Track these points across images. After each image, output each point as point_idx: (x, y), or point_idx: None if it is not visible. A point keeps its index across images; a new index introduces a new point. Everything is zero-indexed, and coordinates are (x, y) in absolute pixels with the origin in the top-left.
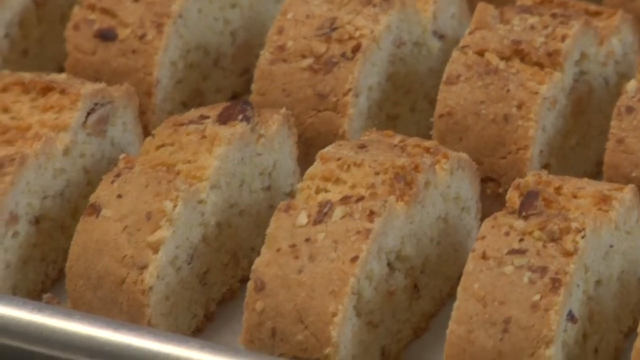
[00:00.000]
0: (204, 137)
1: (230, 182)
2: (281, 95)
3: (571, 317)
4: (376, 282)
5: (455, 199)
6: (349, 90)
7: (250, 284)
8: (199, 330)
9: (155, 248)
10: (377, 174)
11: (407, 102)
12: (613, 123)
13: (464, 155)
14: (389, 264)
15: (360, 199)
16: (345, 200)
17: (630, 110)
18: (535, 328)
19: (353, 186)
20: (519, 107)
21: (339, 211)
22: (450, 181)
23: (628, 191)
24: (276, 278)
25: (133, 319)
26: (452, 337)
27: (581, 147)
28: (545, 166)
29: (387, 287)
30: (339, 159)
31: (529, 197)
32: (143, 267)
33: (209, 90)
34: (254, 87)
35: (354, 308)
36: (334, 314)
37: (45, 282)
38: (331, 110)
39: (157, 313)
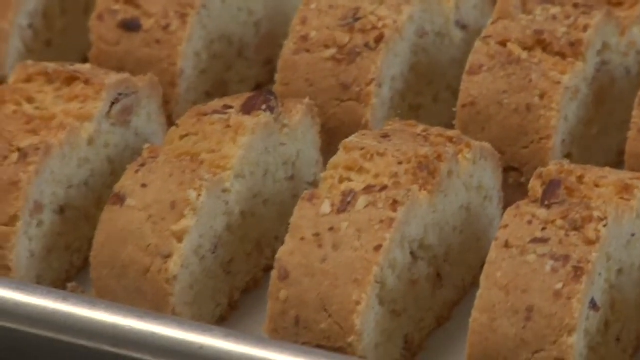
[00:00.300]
0: (228, 126)
1: (254, 171)
2: (304, 85)
3: (593, 305)
4: (399, 271)
5: (477, 188)
6: (372, 80)
7: (274, 273)
8: (223, 319)
9: (179, 237)
10: (400, 163)
11: (430, 92)
12: (635, 112)
13: (487, 145)
14: (412, 253)
15: (384, 188)
16: (368, 189)
17: None
18: (557, 316)
19: (376, 175)
20: (542, 96)
21: (362, 200)
22: (473, 170)
23: None
24: (300, 267)
25: (157, 308)
26: (475, 325)
27: (603, 136)
28: (567, 156)
29: (410, 276)
30: (362, 149)
31: (552, 186)
32: (167, 256)
33: (233, 80)
34: (277, 77)
35: (377, 297)
36: (358, 303)
37: (69, 271)
38: (354, 100)
39: (181, 302)
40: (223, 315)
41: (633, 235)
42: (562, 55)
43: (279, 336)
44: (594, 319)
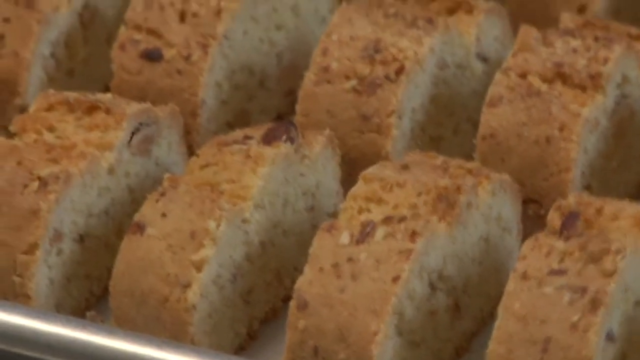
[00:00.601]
0: (248, 157)
1: (274, 202)
2: (325, 116)
3: (610, 337)
4: (418, 302)
5: (497, 220)
6: (392, 111)
7: (292, 303)
8: (242, 349)
9: (198, 267)
10: (419, 194)
11: (450, 124)
12: None
13: (506, 177)
14: (430, 284)
15: (403, 219)
16: (387, 220)
17: None
18: (574, 348)
19: (396, 206)
20: (561, 129)
21: (381, 231)
22: (492, 202)
23: None
24: (319, 297)
25: (176, 337)
26: (492, 356)
27: (622, 169)
28: (587, 187)
29: (428, 306)
30: (381, 180)
31: (570, 218)
32: (186, 286)
33: (254, 110)
34: (298, 108)
35: (395, 327)
36: (375, 333)
37: (89, 299)
38: (375, 132)
39: (200, 331)
40: (242, 345)
41: None
42: (582, 88)
43: None
44: (610, 351)
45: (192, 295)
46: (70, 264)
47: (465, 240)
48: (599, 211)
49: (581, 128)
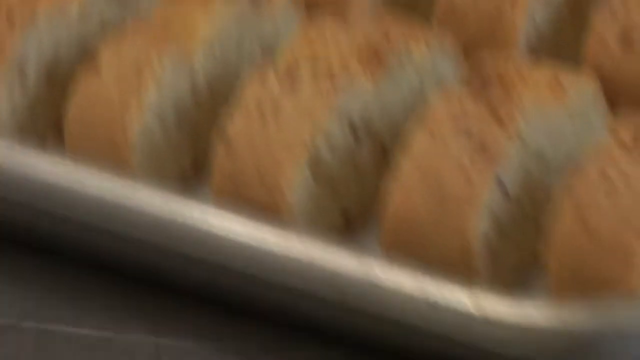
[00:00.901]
0: (208, 8)
1: (226, 47)
2: None
3: (502, 186)
4: (338, 150)
5: (435, 78)
6: None
7: (220, 144)
8: (185, 179)
9: (140, 106)
10: (351, 49)
11: None
12: (595, 17)
13: (447, 39)
14: (354, 134)
15: (330, 70)
16: (315, 70)
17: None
18: (465, 196)
19: (328, 59)
20: (512, 1)
21: (307, 80)
22: (430, 61)
23: (586, 78)
24: (243, 140)
25: (120, 167)
26: (392, 204)
27: (576, 43)
28: (537, 58)
29: (351, 154)
30: (320, 30)
31: (482, 75)
32: (128, 122)
33: None
34: None
35: (311, 172)
36: (289, 177)
37: (50, 127)
38: None
39: (142, 164)
40: (185, 175)
41: (559, 129)
42: None
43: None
44: (503, 204)
45: (132, 131)
46: (34, 95)
47: (394, 94)
48: (519, 73)
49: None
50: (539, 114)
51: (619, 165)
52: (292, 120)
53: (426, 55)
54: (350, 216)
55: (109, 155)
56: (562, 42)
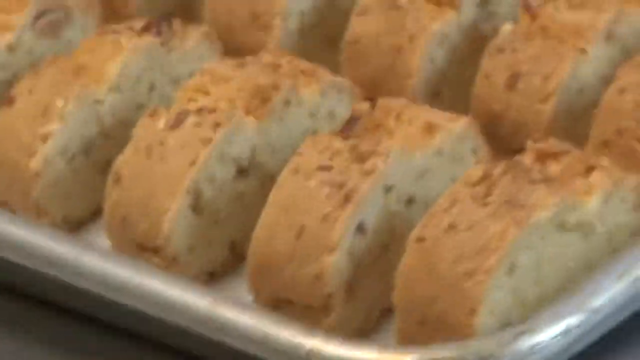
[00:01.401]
0: (117, 45)
1: (136, 86)
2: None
3: (361, 228)
4: (220, 184)
5: (328, 118)
6: (278, 13)
7: (110, 176)
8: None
9: (44, 139)
10: (239, 90)
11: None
12: (484, 60)
13: (340, 79)
14: (239, 169)
15: (213, 110)
16: (200, 111)
17: (501, 50)
18: (322, 237)
19: (217, 99)
20: (411, 40)
21: (191, 120)
22: (322, 101)
23: (460, 122)
24: (131, 173)
25: (24, 201)
26: (255, 238)
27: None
28: (436, 94)
29: (235, 188)
30: (212, 74)
31: (352, 119)
32: (32, 155)
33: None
34: (207, 5)
35: (190, 206)
36: (168, 210)
37: None
38: (262, 31)
39: (45, 197)
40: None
41: (428, 170)
42: (438, 4)
43: (112, 233)
44: (362, 242)
45: (35, 163)
46: None
47: (282, 133)
48: (398, 116)
49: (428, 40)
50: (403, 154)
51: (463, 204)
52: (173, 154)
53: (316, 95)
54: (241, 250)
55: (14, 185)
56: (463, 82)
